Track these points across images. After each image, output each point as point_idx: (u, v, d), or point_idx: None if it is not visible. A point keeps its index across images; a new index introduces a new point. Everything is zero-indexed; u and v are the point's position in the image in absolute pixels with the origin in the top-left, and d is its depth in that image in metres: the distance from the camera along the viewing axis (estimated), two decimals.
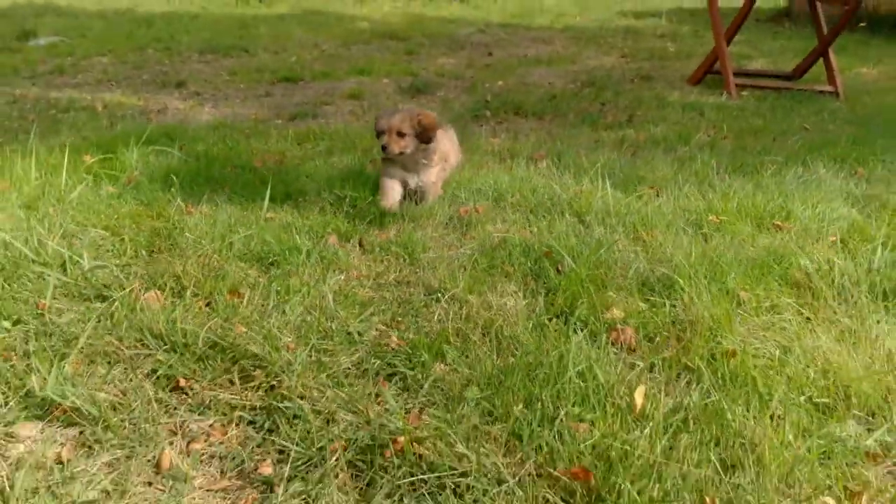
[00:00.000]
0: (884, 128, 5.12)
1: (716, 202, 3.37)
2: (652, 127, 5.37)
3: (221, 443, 1.95)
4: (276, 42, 10.59)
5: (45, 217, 3.07)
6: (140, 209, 3.33)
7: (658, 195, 3.58)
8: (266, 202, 3.34)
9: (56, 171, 3.65)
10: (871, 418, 2.05)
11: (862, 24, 10.65)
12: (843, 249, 2.93)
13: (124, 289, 2.50)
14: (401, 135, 3.36)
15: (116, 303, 2.41)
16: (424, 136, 3.40)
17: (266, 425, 2.01)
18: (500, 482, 1.78)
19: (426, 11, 14.84)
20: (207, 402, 2.07)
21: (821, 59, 7.14)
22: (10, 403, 2.00)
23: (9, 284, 2.53)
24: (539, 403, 1.99)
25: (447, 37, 11.29)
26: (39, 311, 2.39)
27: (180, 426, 1.99)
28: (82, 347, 2.20)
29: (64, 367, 2.08)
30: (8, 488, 1.70)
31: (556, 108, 6.23)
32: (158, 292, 2.53)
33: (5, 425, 1.93)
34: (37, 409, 1.99)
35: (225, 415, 2.03)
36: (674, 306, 2.52)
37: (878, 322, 2.46)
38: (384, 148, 3.38)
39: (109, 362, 2.19)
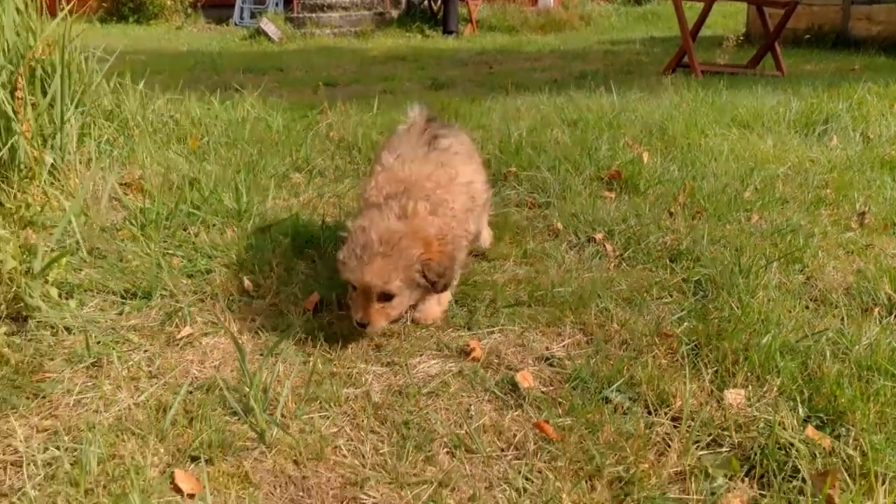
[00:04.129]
0: (812, 80, 6.74)
1: (687, 96, 4.91)
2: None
3: None
4: (304, 65, 12.17)
5: None
6: None
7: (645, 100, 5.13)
8: None
9: None
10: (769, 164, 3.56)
11: (808, 37, 12.45)
12: (771, 110, 4.46)
13: None
14: (387, 297, 2.03)
15: None
16: (436, 285, 2.05)
17: None
18: (569, 184, 3.22)
19: (425, 44, 16.59)
20: None
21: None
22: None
23: None
24: (593, 153, 3.48)
25: (450, 58, 12.95)
26: None
27: None
28: None
29: None
30: None
31: (558, 87, 7.78)
32: None
33: None
34: None
35: None
36: (663, 134, 4.01)
37: (789, 138, 3.98)
38: (361, 325, 2.05)
39: None
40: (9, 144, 2.80)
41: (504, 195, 3.17)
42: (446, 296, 2.23)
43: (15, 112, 2.84)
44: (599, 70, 9.64)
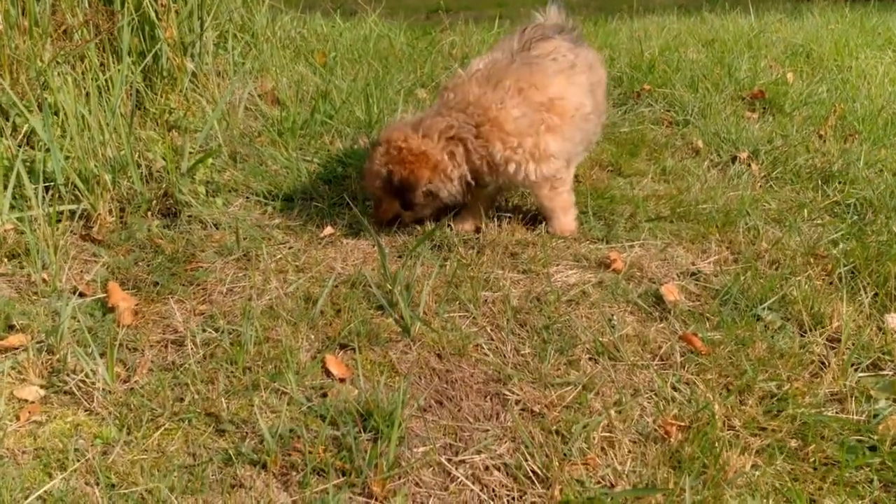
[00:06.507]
0: None
1: (832, 17, 4.54)
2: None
3: None
4: None
5: None
6: None
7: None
8: None
9: None
10: None
11: None
12: None
13: None
14: (375, 196, 2.18)
15: None
16: (402, 201, 2.10)
17: None
18: (708, 102, 3.05)
19: None
20: None
21: None
22: None
23: None
24: (733, 72, 3.28)
25: None
26: None
27: None
28: None
29: None
30: None
31: (685, 11, 7.35)
32: None
33: None
34: None
35: None
36: (808, 55, 3.73)
37: None
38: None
39: None
40: (153, 51, 2.89)
41: (638, 112, 3.05)
42: (571, 208, 2.20)
43: (158, 18, 2.92)
44: None
